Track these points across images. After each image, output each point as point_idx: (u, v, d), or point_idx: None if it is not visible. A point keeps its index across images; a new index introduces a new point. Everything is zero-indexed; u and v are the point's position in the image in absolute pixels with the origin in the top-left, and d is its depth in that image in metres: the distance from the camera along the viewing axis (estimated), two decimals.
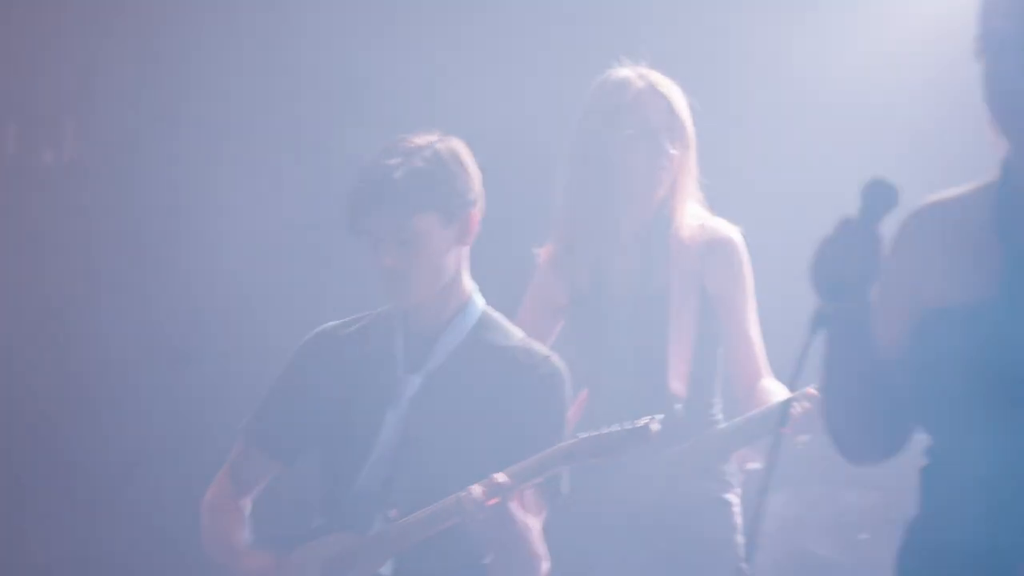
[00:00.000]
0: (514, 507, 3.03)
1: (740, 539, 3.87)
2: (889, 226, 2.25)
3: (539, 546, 3.12)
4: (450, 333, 3.28)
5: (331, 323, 3.42)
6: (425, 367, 3.27)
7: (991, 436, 2.17)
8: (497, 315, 3.37)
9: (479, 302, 3.35)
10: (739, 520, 3.89)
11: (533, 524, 3.16)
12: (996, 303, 2.19)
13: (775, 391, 3.81)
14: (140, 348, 5.28)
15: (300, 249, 5.22)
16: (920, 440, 2.32)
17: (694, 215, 3.90)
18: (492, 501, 2.99)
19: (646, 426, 3.01)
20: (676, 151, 3.86)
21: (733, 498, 3.91)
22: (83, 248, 5.37)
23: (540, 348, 3.34)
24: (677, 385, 3.81)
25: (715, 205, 3.98)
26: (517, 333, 3.36)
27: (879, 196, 2.16)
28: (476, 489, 3.00)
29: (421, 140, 3.24)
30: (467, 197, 3.24)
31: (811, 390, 3.59)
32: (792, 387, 2.28)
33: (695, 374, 3.86)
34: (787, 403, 3.59)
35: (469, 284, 3.34)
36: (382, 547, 3.15)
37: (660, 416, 3.08)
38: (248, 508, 3.41)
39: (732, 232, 3.92)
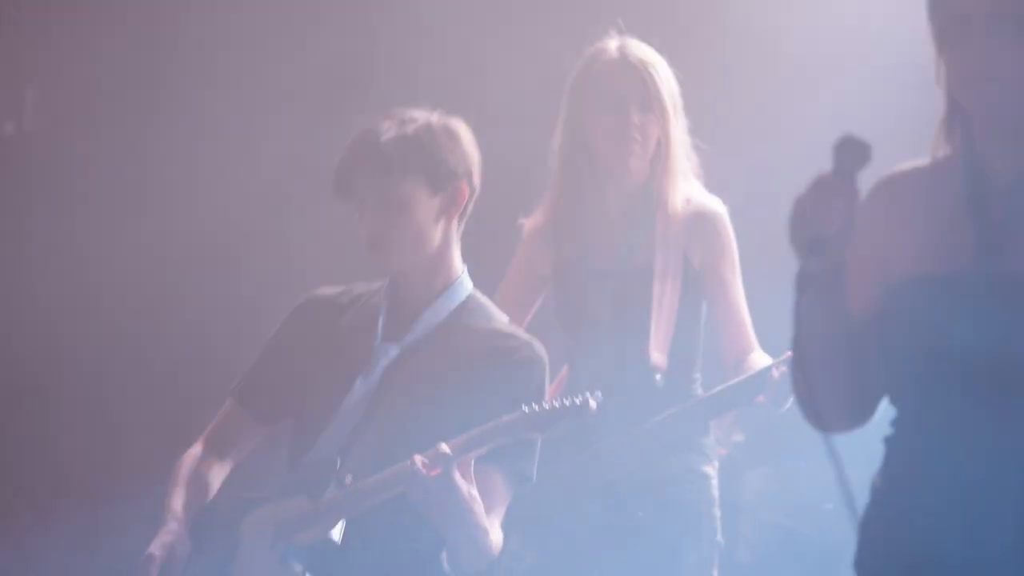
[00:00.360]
0: (459, 479, 3.01)
1: (717, 512, 3.88)
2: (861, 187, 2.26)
3: (484, 520, 3.08)
4: (433, 309, 3.28)
5: (326, 289, 3.43)
6: (403, 339, 3.27)
7: (955, 408, 2.20)
8: (484, 299, 3.38)
9: (467, 284, 3.35)
10: (716, 493, 3.90)
11: (491, 500, 3.14)
12: (963, 276, 2.21)
13: (762, 363, 3.81)
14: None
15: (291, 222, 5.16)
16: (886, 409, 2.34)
17: (682, 188, 3.90)
18: (435, 472, 2.98)
19: (585, 402, 3.01)
20: (648, 121, 3.85)
21: (711, 471, 3.91)
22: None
23: (522, 333, 3.33)
24: (658, 357, 3.81)
25: (711, 179, 3.98)
26: (501, 317, 3.35)
27: (851, 152, 2.17)
28: (419, 459, 2.99)
29: (418, 113, 3.28)
30: (455, 168, 3.24)
31: (790, 354, 3.56)
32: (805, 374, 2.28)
33: (677, 347, 3.85)
34: (766, 371, 3.69)
35: (459, 264, 3.33)
36: (333, 511, 3.12)
37: (599, 393, 3.08)
38: (223, 472, 3.40)
39: (717, 206, 3.92)
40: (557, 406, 3.03)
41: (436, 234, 3.26)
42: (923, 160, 2.36)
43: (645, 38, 3.94)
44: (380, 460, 3.13)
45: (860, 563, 2.32)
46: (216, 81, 5.26)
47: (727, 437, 4.10)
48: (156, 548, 3.19)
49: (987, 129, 2.27)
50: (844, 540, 4.81)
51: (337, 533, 3.09)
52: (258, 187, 5.23)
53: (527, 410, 3.02)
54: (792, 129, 4.78)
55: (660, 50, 3.93)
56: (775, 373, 3.67)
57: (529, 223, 4.00)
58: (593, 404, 3.02)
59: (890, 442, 2.31)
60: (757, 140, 4.98)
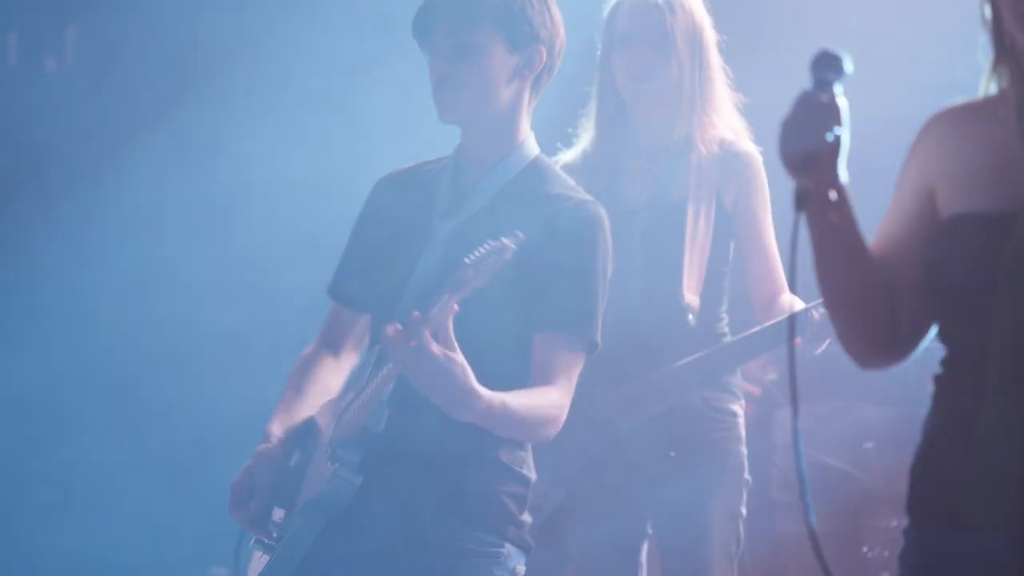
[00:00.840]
0: (429, 343, 2.76)
1: (744, 449, 3.91)
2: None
3: (467, 383, 2.81)
4: (491, 178, 3.16)
5: (399, 167, 3.33)
6: (460, 212, 3.15)
7: (1005, 349, 2.17)
8: (549, 163, 3.25)
9: (530, 149, 3.21)
10: (743, 432, 3.92)
11: (552, 366, 3.00)
12: (1016, 215, 2.18)
13: (794, 304, 3.76)
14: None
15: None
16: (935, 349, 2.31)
17: (714, 127, 3.90)
18: (412, 342, 2.76)
19: (502, 243, 2.80)
20: (661, 57, 3.86)
21: (738, 409, 3.93)
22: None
23: (584, 195, 3.17)
24: (691, 297, 3.82)
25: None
26: (565, 181, 3.21)
27: (827, 66, 2.16)
28: (390, 329, 2.79)
29: None
30: (538, 30, 3.13)
31: None
32: (789, 280, 2.25)
33: (707, 288, 3.86)
34: (799, 314, 3.69)
35: (525, 130, 3.20)
36: (372, 400, 3.00)
37: (520, 234, 2.85)
38: (338, 366, 3.30)
39: (751, 148, 3.92)
40: (480, 251, 2.81)
41: (506, 94, 3.14)
42: (978, 97, 2.33)
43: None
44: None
45: (913, 504, 2.30)
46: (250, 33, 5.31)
47: (761, 375, 4.10)
48: (240, 478, 3.12)
49: None
50: (881, 478, 4.86)
51: (379, 422, 2.99)
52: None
53: (468, 260, 2.80)
54: None
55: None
56: (815, 314, 3.67)
57: (563, 158, 3.98)
58: (511, 244, 2.80)
59: (940, 381, 2.30)
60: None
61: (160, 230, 5.38)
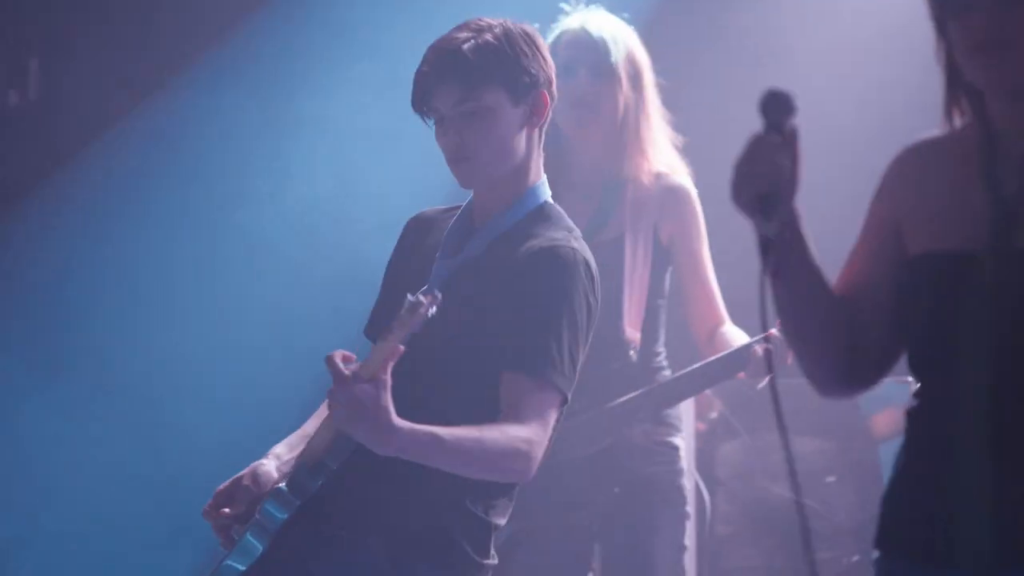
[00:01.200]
0: (351, 384, 2.77)
1: (685, 483, 3.94)
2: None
3: (441, 446, 2.85)
4: (496, 221, 3.13)
5: (430, 209, 3.31)
6: (459, 255, 3.14)
7: (975, 384, 2.19)
8: (558, 210, 3.21)
9: (542, 192, 3.19)
10: (685, 464, 3.95)
11: (517, 403, 2.96)
12: (984, 253, 2.20)
13: (736, 337, 3.86)
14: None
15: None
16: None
17: (649, 160, 3.92)
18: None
19: (419, 300, 2.79)
20: (600, 87, 3.88)
21: (679, 442, 3.95)
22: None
23: (566, 238, 3.11)
24: (632, 332, 3.84)
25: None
26: (565, 224, 3.17)
27: (775, 105, 2.15)
28: (328, 358, 2.82)
29: (493, 20, 3.13)
30: (537, 76, 3.11)
31: (772, 331, 3.66)
32: (763, 325, 2.22)
33: (645, 322, 3.89)
34: (746, 347, 3.73)
35: (536, 171, 3.18)
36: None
37: (438, 295, 2.84)
38: None
39: (687, 181, 3.95)
40: (408, 303, 2.81)
41: (520, 145, 3.12)
42: (942, 131, 2.33)
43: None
44: (436, 384, 3.03)
45: (882, 536, 2.30)
46: (223, 63, 5.34)
47: (705, 410, 4.16)
48: (226, 485, 3.10)
49: (996, 96, 2.25)
50: (816, 513, 4.91)
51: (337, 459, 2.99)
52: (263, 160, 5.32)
53: (397, 317, 2.83)
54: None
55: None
56: (757, 349, 3.70)
57: None
58: (423, 303, 2.79)
59: (912, 415, 2.31)
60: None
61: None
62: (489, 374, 3.01)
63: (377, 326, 3.20)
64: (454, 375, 3.02)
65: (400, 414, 2.81)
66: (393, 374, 2.82)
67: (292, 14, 5.38)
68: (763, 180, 2.14)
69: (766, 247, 2.16)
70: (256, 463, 3.13)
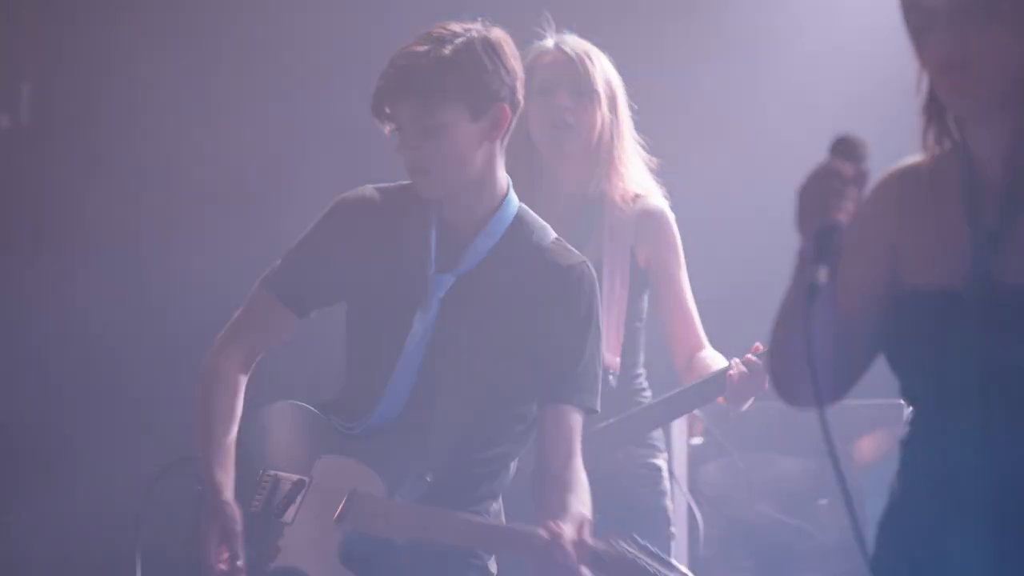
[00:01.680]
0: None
1: (668, 504, 3.95)
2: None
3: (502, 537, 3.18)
4: (485, 234, 3.18)
5: (372, 187, 3.29)
6: (457, 268, 3.17)
7: (968, 414, 2.21)
8: (532, 214, 3.28)
9: (514, 201, 3.24)
10: (667, 485, 3.97)
11: (571, 440, 3.18)
12: (967, 290, 2.21)
13: (715, 361, 3.86)
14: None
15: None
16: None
17: (626, 182, 3.93)
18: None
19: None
20: (580, 106, 3.89)
21: (662, 462, 3.97)
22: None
23: (575, 251, 3.24)
24: (611, 357, 3.83)
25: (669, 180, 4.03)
26: (551, 234, 3.27)
27: (846, 150, 2.18)
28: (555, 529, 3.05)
29: (457, 27, 3.14)
30: (498, 91, 3.12)
31: (749, 356, 3.70)
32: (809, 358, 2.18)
33: (624, 346, 3.90)
34: (723, 372, 3.72)
35: (504, 182, 3.22)
36: (403, 518, 3.08)
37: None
38: (245, 382, 3.27)
39: (663, 204, 3.96)
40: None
41: (479, 158, 3.14)
42: (923, 156, 2.33)
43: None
44: (455, 421, 3.12)
45: (877, 564, 2.30)
46: (216, 74, 5.37)
47: (687, 439, 4.17)
48: (214, 535, 3.09)
49: (967, 119, 2.26)
50: (801, 533, 4.93)
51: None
52: (258, 175, 5.35)
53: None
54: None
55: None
56: (733, 375, 3.69)
57: None
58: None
59: (906, 444, 2.32)
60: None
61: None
62: (517, 399, 3.15)
63: (291, 285, 3.22)
64: (477, 400, 3.12)
65: (419, 439, 3.07)
66: (411, 401, 3.09)
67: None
68: (831, 213, 2.15)
69: (814, 292, 2.14)
70: (228, 507, 3.10)
